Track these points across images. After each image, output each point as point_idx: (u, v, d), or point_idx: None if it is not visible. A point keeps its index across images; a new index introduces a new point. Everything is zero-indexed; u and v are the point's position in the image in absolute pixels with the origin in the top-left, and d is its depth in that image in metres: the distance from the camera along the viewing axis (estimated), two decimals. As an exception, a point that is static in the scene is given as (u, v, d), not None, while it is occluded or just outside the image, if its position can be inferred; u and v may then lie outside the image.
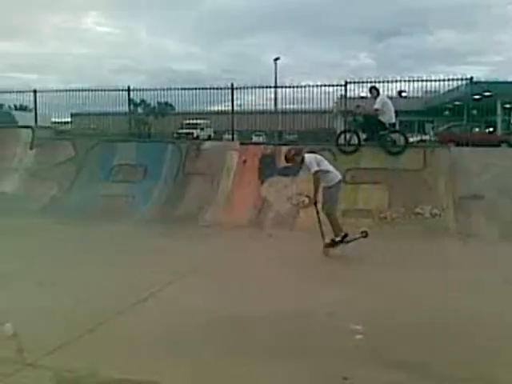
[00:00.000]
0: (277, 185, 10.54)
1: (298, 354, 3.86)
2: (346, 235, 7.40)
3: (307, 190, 10.13)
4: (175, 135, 20.63)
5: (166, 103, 16.88)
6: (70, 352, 3.83)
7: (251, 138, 21.97)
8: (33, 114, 15.23)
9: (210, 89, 14.22)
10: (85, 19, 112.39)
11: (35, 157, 12.47)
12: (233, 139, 14.15)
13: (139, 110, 17.50)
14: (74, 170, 11.86)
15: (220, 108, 16.44)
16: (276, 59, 31.92)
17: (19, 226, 9.20)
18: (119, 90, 14.24)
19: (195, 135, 24.31)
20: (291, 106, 15.78)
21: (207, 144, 12.06)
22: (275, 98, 16.36)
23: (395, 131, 10.87)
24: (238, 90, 14.16)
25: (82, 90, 14.90)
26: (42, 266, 6.41)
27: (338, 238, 7.37)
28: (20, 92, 15.20)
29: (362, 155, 10.63)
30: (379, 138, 10.64)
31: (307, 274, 6.33)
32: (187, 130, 24.03)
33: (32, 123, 14.24)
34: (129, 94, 14.19)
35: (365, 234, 7.49)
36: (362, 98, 13.68)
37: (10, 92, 15.51)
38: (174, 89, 14.35)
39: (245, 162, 11.06)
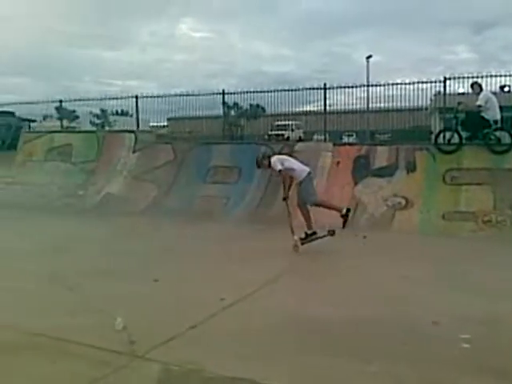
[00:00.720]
0: (371, 186, 10.30)
1: (402, 359, 3.75)
2: (314, 232, 7.73)
3: (404, 191, 9.84)
4: (266, 137, 20.89)
5: (258, 105, 17.14)
6: (177, 346, 4.01)
7: (341, 138, 21.71)
8: (130, 118, 16.12)
9: (302, 89, 14.21)
10: (180, 25, 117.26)
11: (137, 160, 13.13)
12: (325, 140, 14.03)
13: (232, 112, 17.92)
14: (173, 173, 12.34)
15: (310, 108, 16.40)
16: (368, 57, 31.21)
17: (125, 226, 9.84)
18: (214, 94, 14.70)
19: (286, 136, 24.44)
20: (384, 105, 15.34)
21: (300, 145, 12.04)
22: (367, 97, 16.03)
23: (500, 128, 10.17)
24: (329, 90, 13.98)
25: (180, 95, 15.54)
26: (149, 264, 6.81)
27: (309, 231, 7.72)
28: (122, 98, 16.18)
29: (463, 155, 10.05)
30: (483, 136, 10.02)
31: (408, 276, 6.09)
32: (278, 132, 24.23)
33: (127, 128, 15.08)
34: (223, 98, 14.58)
35: (332, 233, 7.60)
36: (461, 94, 13.00)
37: (115, 98, 16.59)
38: (267, 91, 14.53)
39: (338, 163, 10.91)
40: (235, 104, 17.29)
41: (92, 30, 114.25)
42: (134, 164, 13.07)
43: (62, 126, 17.66)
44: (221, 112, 15.84)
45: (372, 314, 4.73)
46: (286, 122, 24.98)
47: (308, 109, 16.86)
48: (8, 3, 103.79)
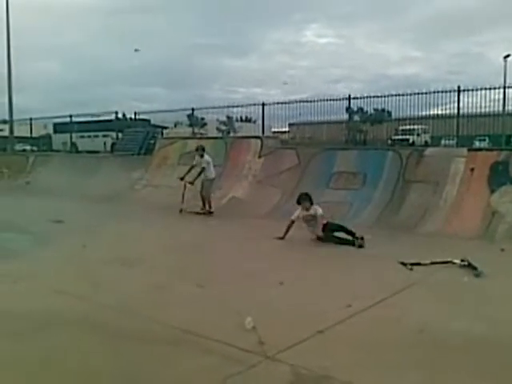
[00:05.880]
0: (510, 195, 9.50)
1: None
2: (204, 213, 11.99)
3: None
4: (389, 142, 20.29)
5: (383, 110, 16.67)
6: (306, 350, 4.01)
7: (471, 143, 20.37)
8: (253, 124, 16.47)
9: (432, 92, 13.56)
10: (305, 32, 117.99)
11: (262, 165, 13.46)
12: (457, 145, 13.23)
13: (356, 117, 17.64)
14: (297, 178, 12.44)
15: (438, 112, 15.57)
16: (506, 56, 28.95)
17: (250, 227, 10.19)
18: (339, 100, 14.62)
19: (411, 141, 23.54)
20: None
21: (430, 150, 11.46)
22: (504, 99, 14.88)
23: None
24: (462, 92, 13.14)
25: (305, 102, 15.67)
26: (278, 267, 6.86)
27: (201, 211, 12.07)
28: (249, 105, 16.71)
29: None
30: None
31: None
32: (402, 137, 23.39)
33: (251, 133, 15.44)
34: (349, 103, 14.47)
35: (209, 213, 11.88)
36: None
37: (243, 106, 17.20)
38: (395, 95, 14.10)
39: (472, 170, 10.19)
40: (360, 109, 17.01)
41: (219, 41, 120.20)
42: (259, 169, 13.43)
43: (193, 133, 18.69)
44: (343, 117, 15.69)
45: None
46: (412, 127, 23.98)
47: (436, 112, 16.01)
48: (135, 22, 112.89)
